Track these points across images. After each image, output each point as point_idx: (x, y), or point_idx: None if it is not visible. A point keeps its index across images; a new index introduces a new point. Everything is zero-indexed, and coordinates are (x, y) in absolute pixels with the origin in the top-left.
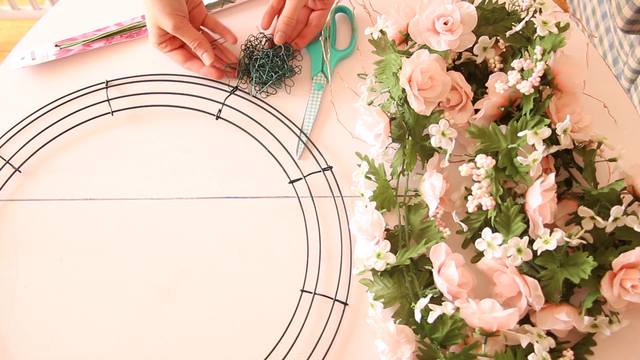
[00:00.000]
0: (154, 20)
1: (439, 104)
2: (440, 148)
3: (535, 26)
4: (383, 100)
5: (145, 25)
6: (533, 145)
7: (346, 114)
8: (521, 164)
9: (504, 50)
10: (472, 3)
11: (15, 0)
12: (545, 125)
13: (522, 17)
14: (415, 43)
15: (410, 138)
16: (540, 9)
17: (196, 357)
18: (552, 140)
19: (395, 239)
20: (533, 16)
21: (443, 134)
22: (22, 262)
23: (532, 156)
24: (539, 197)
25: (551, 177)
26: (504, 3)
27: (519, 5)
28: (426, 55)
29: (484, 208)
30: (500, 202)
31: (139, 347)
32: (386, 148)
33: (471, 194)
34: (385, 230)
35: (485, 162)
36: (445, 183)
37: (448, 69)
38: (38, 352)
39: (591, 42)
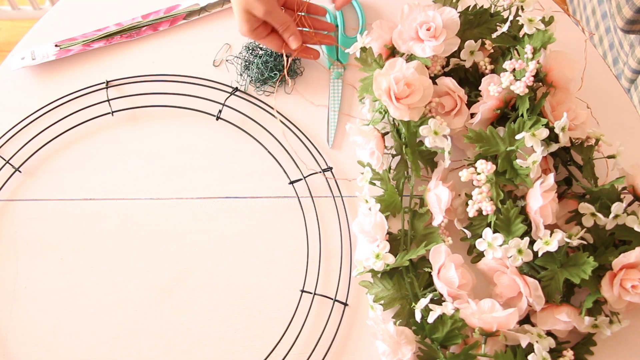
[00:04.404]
0: (244, 6)
1: (430, 110)
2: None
3: (520, 24)
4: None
5: (145, 26)
6: (532, 146)
7: (346, 111)
8: (521, 166)
9: (492, 51)
10: (456, 8)
11: (15, 0)
12: (542, 125)
13: (505, 17)
14: (403, 54)
15: (407, 147)
16: (521, 6)
17: (196, 357)
18: (551, 138)
19: (397, 242)
20: (518, 15)
21: (435, 133)
22: (22, 262)
23: (532, 158)
24: (540, 198)
25: (550, 178)
26: (490, 7)
27: (501, 6)
28: (401, 63)
29: (484, 213)
30: (500, 206)
31: (139, 347)
32: (388, 168)
33: (471, 200)
34: (388, 233)
35: (485, 168)
36: (450, 195)
37: (437, 76)
38: (38, 352)
39: (590, 41)
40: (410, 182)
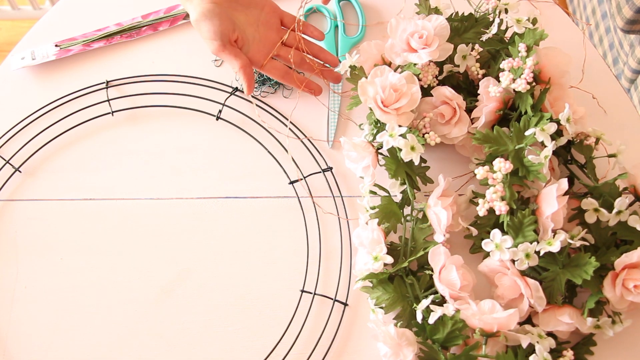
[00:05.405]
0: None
1: (424, 126)
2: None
3: (504, 27)
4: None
5: (145, 26)
6: (541, 142)
7: (349, 113)
8: (532, 162)
9: (479, 57)
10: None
11: (15, 0)
12: (547, 120)
13: (490, 20)
14: (398, 67)
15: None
16: (506, 8)
17: (196, 357)
18: (557, 133)
19: (397, 252)
20: (499, 17)
21: (391, 135)
22: (22, 262)
23: (544, 152)
24: (555, 203)
25: (564, 182)
26: (470, 13)
27: (485, 10)
28: (387, 71)
29: (497, 212)
30: (514, 206)
31: (139, 347)
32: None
33: (476, 197)
34: (389, 244)
35: (503, 166)
36: (451, 212)
37: (432, 87)
38: (38, 352)
39: (586, 35)
40: (411, 199)
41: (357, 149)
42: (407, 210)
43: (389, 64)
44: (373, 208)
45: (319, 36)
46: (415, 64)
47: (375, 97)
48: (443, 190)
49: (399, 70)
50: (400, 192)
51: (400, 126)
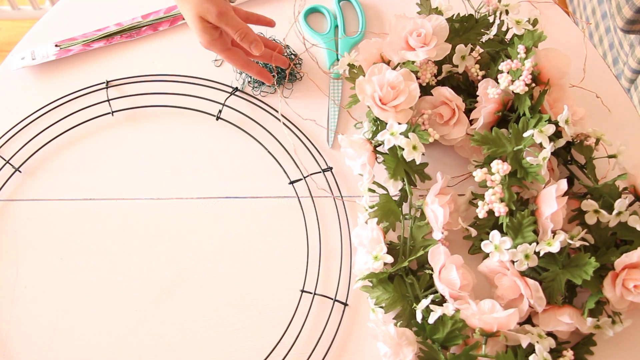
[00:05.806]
0: (198, 12)
1: (423, 123)
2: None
3: (504, 28)
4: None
5: (145, 26)
6: (540, 144)
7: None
8: (531, 164)
9: (479, 58)
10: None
11: (15, 0)
12: (545, 121)
13: (491, 21)
14: (398, 65)
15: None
16: (506, 10)
17: (196, 357)
18: (556, 135)
19: (396, 252)
20: (500, 18)
21: (392, 134)
22: (22, 262)
23: (542, 154)
24: (554, 203)
25: (563, 183)
26: (470, 14)
27: (485, 12)
28: (384, 69)
29: (496, 214)
30: (513, 207)
31: (139, 347)
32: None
33: (476, 199)
34: (388, 243)
35: (501, 168)
36: (448, 210)
37: (432, 87)
38: (38, 352)
39: (586, 35)
40: (408, 191)
41: (354, 146)
42: (405, 208)
43: (388, 63)
44: (372, 207)
45: (270, 22)
46: (412, 62)
47: (373, 95)
48: (441, 188)
49: (398, 68)
50: (399, 190)
51: (399, 123)
